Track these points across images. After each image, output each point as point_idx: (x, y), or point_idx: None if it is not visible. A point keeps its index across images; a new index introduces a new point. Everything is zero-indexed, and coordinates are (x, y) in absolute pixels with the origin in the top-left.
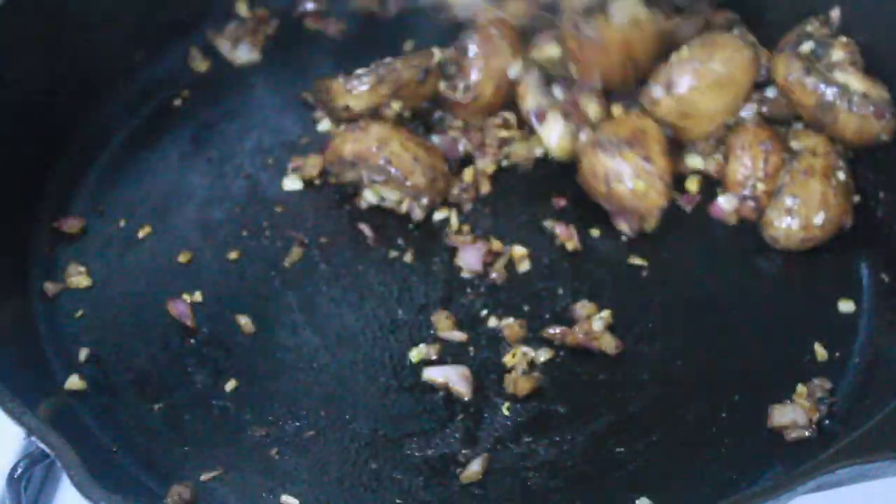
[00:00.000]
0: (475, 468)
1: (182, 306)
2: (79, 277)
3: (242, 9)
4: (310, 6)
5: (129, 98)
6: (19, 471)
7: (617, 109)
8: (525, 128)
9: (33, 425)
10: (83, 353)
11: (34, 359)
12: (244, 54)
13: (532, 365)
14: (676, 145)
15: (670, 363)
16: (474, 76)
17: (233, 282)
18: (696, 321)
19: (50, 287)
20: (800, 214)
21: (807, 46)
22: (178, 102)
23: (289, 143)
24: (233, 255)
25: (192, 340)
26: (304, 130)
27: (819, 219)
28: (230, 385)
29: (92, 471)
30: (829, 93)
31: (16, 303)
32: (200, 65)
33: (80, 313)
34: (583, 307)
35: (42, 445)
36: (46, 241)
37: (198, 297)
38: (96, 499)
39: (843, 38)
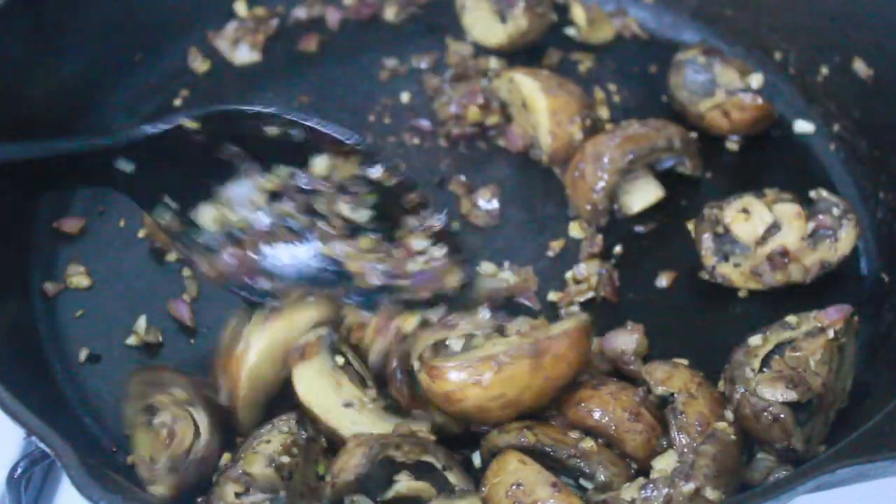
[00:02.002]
0: None
1: (182, 306)
2: (79, 277)
3: (242, 9)
4: (301, 14)
5: (129, 98)
6: (19, 471)
7: None
8: None
9: (33, 425)
10: (83, 353)
11: (34, 359)
12: (244, 54)
13: None
14: None
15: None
16: None
17: None
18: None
19: (50, 287)
20: None
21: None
22: (178, 102)
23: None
24: None
25: (193, 340)
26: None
27: None
28: None
29: (92, 471)
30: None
31: (16, 303)
32: (200, 65)
33: (80, 313)
34: None
35: (42, 445)
36: (46, 241)
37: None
38: (96, 499)
39: None
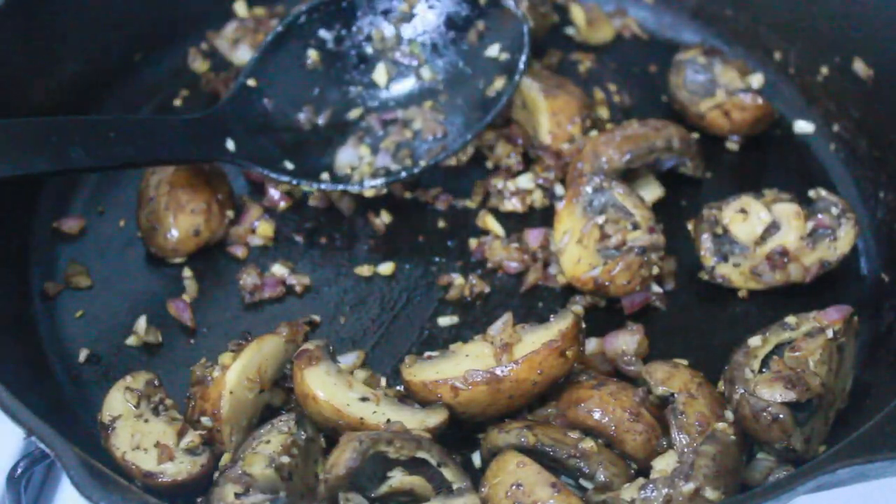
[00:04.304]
0: None
1: (182, 306)
2: (79, 277)
3: (242, 9)
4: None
5: (129, 98)
6: (19, 471)
7: None
8: None
9: (33, 425)
10: (83, 354)
11: (34, 359)
12: (244, 54)
13: None
14: None
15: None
16: None
17: (233, 282)
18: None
19: (50, 287)
20: None
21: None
22: (178, 102)
23: None
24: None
25: (193, 340)
26: None
27: None
28: None
29: (92, 471)
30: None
31: (16, 303)
32: (200, 65)
33: (80, 313)
34: None
35: (42, 445)
36: (46, 241)
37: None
38: (96, 499)
39: None
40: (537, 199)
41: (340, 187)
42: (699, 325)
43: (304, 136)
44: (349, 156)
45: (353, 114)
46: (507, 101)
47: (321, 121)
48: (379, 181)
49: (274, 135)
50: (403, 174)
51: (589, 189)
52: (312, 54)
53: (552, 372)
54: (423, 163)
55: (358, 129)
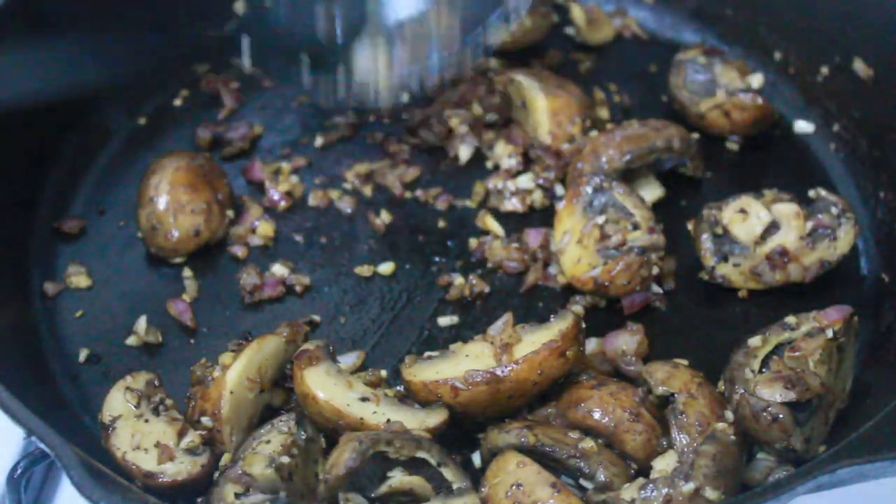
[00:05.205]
0: None
1: (182, 306)
2: (79, 277)
3: (242, 9)
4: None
5: (129, 98)
6: (19, 471)
7: None
8: None
9: (33, 425)
10: (83, 354)
11: (34, 359)
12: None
13: None
14: None
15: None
16: None
17: (233, 282)
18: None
19: (50, 287)
20: None
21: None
22: (178, 102)
23: (289, 143)
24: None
25: (193, 340)
26: (303, 130)
27: None
28: None
29: (92, 471)
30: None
31: (16, 303)
32: (200, 65)
33: (80, 313)
34: None
35: (42, 445)
36: (46, 241)
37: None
38: (96, 499)
39: None
40: (537, 199)
41: (356, 80)
42: (699, 325)
43: (321, 48)
44: (366, 64)
45: (370, 12)
46: (526, 7)
47: (338, 23)
48: (394, 95)
49: (289, 53)
50: (418, 90)
51: (589, 189)
52: None
53: (552, 372)
54: (436, 77)
55: (375, 35)
